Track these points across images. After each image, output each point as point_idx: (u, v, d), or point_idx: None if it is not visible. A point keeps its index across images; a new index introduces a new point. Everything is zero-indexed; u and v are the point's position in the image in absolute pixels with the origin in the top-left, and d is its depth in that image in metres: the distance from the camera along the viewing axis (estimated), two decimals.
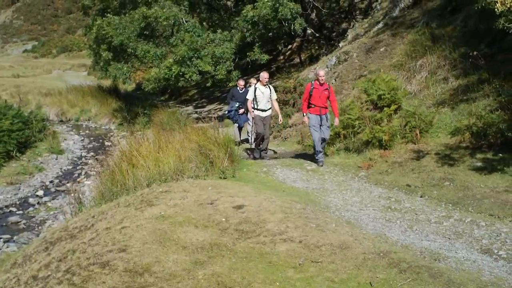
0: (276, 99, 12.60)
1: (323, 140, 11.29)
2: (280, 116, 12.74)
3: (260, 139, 12.23)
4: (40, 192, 14.78)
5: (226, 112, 16.20)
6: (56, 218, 12.20)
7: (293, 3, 19.52)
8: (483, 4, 8.52)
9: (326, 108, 11.20)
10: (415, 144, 10.68)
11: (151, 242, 5.92)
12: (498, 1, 7.97)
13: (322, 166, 11.14)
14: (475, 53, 11.50)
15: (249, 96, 12.26)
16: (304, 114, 11.37)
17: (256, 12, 19.29)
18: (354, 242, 5.85)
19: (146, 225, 6.47)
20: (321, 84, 11.10)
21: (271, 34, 20.48)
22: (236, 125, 15.50)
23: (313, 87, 11.10)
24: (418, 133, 10.69)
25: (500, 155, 9.06)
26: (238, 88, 15.51)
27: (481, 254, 5.76)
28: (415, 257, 5.49)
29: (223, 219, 6.65)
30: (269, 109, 12.23)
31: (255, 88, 12.10)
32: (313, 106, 11.12)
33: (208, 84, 21.45)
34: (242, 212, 6.92)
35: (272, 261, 5.43)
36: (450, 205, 7.85)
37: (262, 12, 19.09)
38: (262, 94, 12.03)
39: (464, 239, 6.31)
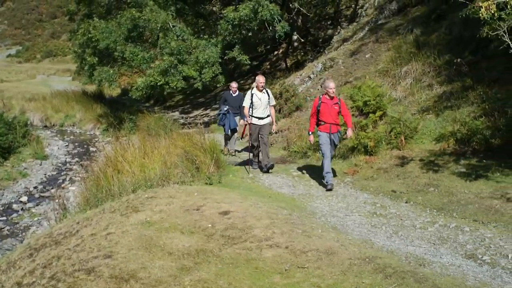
0: (274, 106, 11.81)
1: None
2: (274, 125, 11.63)
3: (257, 149, 11.54)
4: (24, 198, 14.63)
5: (217, 113, 15.02)
6: (41, 224, 12.07)
7: (274, 4, 19.58)
8: (468, 12, 8.60)
9: (338, 125, 9.98)
10: (400, 150, 10.75)
11: (136, 248, 5.90)
12: (483, 7, 8.05)
13: (331, 190, 9.57)
14: (459, 60, 11.64)
15: (245, 103, 11.28)
16: (310, 133, 10.28)
17: (237, 15, 19.33)
18: (340, 247, 5.87)
19: (132, 231, 6.44)
20: (331, 98, 9.86)
21: (251, 34, 20.39)
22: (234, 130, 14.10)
23: (321, 102, 9.87)
24: (403, 139, 10.76)
25: (484, 161, 9.15)
26: (230, 91, 14.10)
27: (465, 259, 5.81)
28: (400, 263, 5.52)
29: (209, 225, 6.64)
30: (267, 116, 11.26)
31: (252, 94, 11.15)
32: (322, 123, 9.89)
33: (198, 87, 21.32)
34: (228, 218, 6.91)
35: (259, 267, 5.42)
36: (435, 210, 7.90)
37: (242, 12, 19.13)
38: (259, 101, 11.11)
39: (448, 244, 6.36)
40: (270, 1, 19.53)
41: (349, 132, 10.01)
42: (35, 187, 15.89)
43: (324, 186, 9.86)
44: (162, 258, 5.63)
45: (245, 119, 11.86)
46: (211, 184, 9.62)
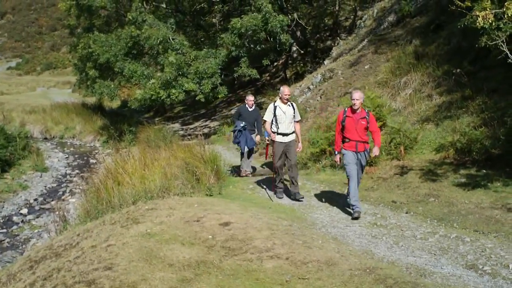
0: (300, 121, 10.29)
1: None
2: (300, 143, 9.95)
3: (282, 172, 10.00)
4: (24, 210, 14.64)
5: (231, 131, 13.80)
6: (41, 236, 12.07)
7: (283, 15, 19.66)
8: (466, 23, 8.65)
9: (366, 142, 8.62)
10: (400, 160, 10.76)
11: (137, 260, 5.88)
12: (480, 17, 8.10)
13: (358, 218, 8.30)
14: (458, 70, 11.68)
15: (267, 117, 9.85)
16: (336, 153, 8.92)
17: (244, 24, 19.34)
18: (340, 258, 5.86)
19: (132, 243, 6.42)
20: (356, 111, 8.51)
21: (258, 47, 20.44)
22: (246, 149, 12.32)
23: (346, 116, 8.57)
24: (403, 150, 10.78)
25: (484, 171, 9.16)
26: (246, 105, 12.48)
27: (466, 270, 5.80)
28: (401, 273, 5.51)
29: (210, 237, 6.63)
30: (292, 132, 9.79)
31: (275, 107, 9.69)
32: (347, 140, 8.58)
33: (200, 99, 21.26)
34: (229, 229, 6.90)
35: (259, 278, 5.41)
36: (435, 221, 7.90)
37: (251, 22, 19.15)
38: (283, 114, 9.64)
39: (449, 254, 6.35)
40: (277, 12, 19.63)
41: (375, 151, 8.59)
42: (35, 199, 15.90)
43: (321, 192, 9.82)
44: (162, 270, 5.62)
45: (267, 136, 10.80)
46: (211, 196, 9.62)
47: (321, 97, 16.98)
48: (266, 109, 10.93)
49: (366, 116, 8.52)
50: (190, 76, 20.52)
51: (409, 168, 10.30)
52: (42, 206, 15.16)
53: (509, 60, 8.44)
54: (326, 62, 21.24)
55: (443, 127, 10.88)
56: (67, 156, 24.79)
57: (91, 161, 22.91)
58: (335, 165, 11.94)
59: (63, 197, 15.98)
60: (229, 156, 16.04)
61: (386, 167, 10.78)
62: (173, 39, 21.74)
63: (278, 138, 9.71)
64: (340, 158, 8.88)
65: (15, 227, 13.23)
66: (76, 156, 24.97)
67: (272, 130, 9.79)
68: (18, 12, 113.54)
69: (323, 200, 9.74)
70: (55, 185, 18.10)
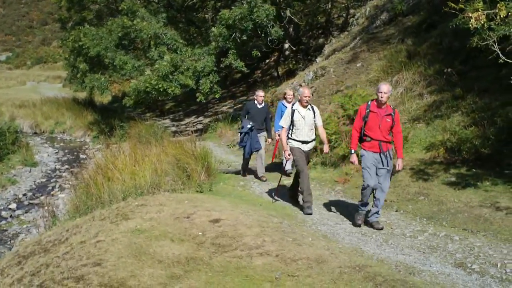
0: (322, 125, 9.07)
1: (378, 191, 7.62)
2: (326, 145, 8.88)
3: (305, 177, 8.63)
4: (13, 205, 14.54)
5: (237, 131, 12.74)
6: (29, 232, 12.01)
7: (269, 5, 19.61)
8: (458, 23, 8.67)
9: (389, 142, 7.56)
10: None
11: (126, 256, 5.86)
12: (473, 18, 8.13)
13: (359, 226, 7.73)
14: (449, 70, 11.72)
15: (284, 122, 8.63)
16: (352, 151, 7.79)
17: (231, 14, 19.31)
18: (330, 256, 5.87)
19: (122, 239, 6.40)
20: (382, 106, 7.45)
21: (245, 36, 20.31)
22: (258, 153, 11.38)
23: (369, 110, 7.50)
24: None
25: (474, 170, 9.20)
26: (255, 101, 11.38)
27: (455, 268, 5.84)
28: (390, 271, 5.53)
29: (200, 233, 6.62)
30: (312, 140, 8.70)
31: (293, 111, 8.53)
32: (368, 139, 7.51)
33: (201, 100, 21.12)
34: (219, 226, 6.90)
35: (249, 275, 5.41)
36: (425, 219, 7.93)
37: (238, 11, 19.13)
38: (302, 120, 8.48)
39: (438, 253, 6.38)
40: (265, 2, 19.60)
41: (400, 163, 7.57)
42: (24, 194, 15.81)
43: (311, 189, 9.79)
44: (152, 266, 5.60)
45: (277, 130, 10.61)
46: (201, 192, 9.60)
47: (312, 95, 16.97)
48: (276, 107, 10.78)
49: (392, 114, 7.45)
50: (186, 73, 20.43)
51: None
52: (31, 201, 15.08)
53: (500, 60, 8.47)
54: (318, 59, 21.24)
55: (434, 126, 10.91)
56: (57, 151, 24.66)
57: (81, 156, 22.79)
58: (325, 162, 11.96)
59: (52, 192, 15.90)
60: (220, 153, 16.05)
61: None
62: (164, 33, 21.65)
63: (296, 145, 8.57)
64: (357, 158, 7.74)
65: (3, 222, 13.16)
66: (66, 151, 24.85)
67: (290, 137, 8.63)
68: (9, 6, 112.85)
69: (313, 197, 9.74)
70: (44, 180, 18.00)
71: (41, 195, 15.50)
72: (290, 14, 23.18)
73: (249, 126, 10.94)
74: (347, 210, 8.66)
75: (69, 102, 34.50)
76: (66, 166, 20.34)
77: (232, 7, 20.23)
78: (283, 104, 11.10)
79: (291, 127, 8.60)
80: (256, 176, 11.57)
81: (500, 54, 8.40)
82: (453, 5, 8.75)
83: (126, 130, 23.38)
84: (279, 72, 26.63)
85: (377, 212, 7.64)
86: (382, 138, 7.44)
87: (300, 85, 18.37)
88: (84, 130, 29.60)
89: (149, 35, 21.01)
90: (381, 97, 7.32)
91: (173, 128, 24.96)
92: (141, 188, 9.17)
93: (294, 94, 11.45)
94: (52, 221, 9.20)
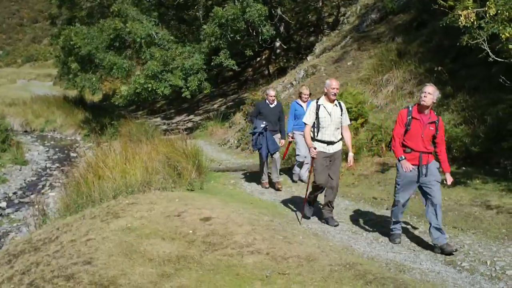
0: (350, 125, 8.11)
1: (434, 206, 6.47)
2: (350, 152, 7.66)
3: (319, 191, 7.81)
4: (3, 204, 14.44)
5: (249, 132, 12.02)
6: (20, 230, 11.93)
7: (262, 5, 19.62)
8: (448, 21, 8.72)
9: (431, 153, 6.60)
10: (381, 157, 10.82)
11: (117, 254, 5.85)
12: (462, 15, 8.17)
13: (397, 242, 6.80)
14: (439, 68, 11.76)
15: (308, 118, 7.56)
16: (400, 159, 6.62)
17: (224, 13, 19.29)
18: (321, 254, 5.88)
19: (112, 237, 6.38)
20: (424, 111, 6.45)
21: (238, 36, 20.30)
22: (276, 156, 10.35)
23: (412, 117, 6.50)
24: (384, 147, 10.83)
25: (464, 168, 9.25)
26: (266, 101, 10.60)
27: (445, 266, 5.87)
28: (380, 269, 5.55)
29: (190, 231, 6.62)
30: (339, 140, 7.63)
31: (318, 106, 7.48)
32: (408, 150, 6.55)
33: (187, 96, 21.10)
34: (210, 224, 6.89)
35: (240, 273, 5.41)
36: (415, 217, 7.96)
37: (231, 11, 19.11)
38: (328, 117, 7.44)
39: (428, 251, 6.41)
40: (257, 2, 19.62)
41: (449, 178, 6.70)
42: (14, 193, 15.72)
43: (302, 188, 9.77)
44: (142, 265, 5.59)
45: (290, 132, 10.32)
46: (192, 190, 9.61)
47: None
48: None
49: (436, 121, 6.49)
50: (175, 72, 20.40)
51: (390, 165, 10.35)
52: (21, 200, 14.98)
53: (490, 59, 8.52)
54: (309, 58, 21.25)
55: None
56: (47, 149, 24.55)
57: (72, 154, 22.70)
58: None
59: (42, 191, 15.82)
60: (211, 151, 16.07)
61: (367, 164, 10.83)
62: (156, 33, 21.60)
63: (320, 147, 7.46)
64: (409, 163, 6.56)
65: None
66: (57, 149, 24.74)
67: (314, 136, 7.56)
68: None
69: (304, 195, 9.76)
70: (34, 178, 17.92)
71: (32, 194, 15.40)
72: (281, 12, 23.19)
73: (262, 125, 10.10)
74: (338, 208, 8.67)
75: (60, 100, 34.40)
76: (57, 165, 20.25)
77: (225, 5, 20.21)
78: (298, 103, 10.46)
79: (316, 125, 7.51)
80: (271, 183, 10.67)
81: (489, 52, 8.45)
82: (442, 2, 8.80)
83: (117, 128, 23.28)
84: (270, 70, 26.63)
85: (441, 231, 6.37)
86: (423, 149, 6.47)
87: (291, 84, 18.40)
88: (75, 128, 29.51)
89: (141, 37, 20.93)
90: (424, 97, 6.32)
91: (164, 127, 24.93)
92: (131, 187, 9.15)
93: (310, 93, 10.66)
94: (42, 219, 9.16)
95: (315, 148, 7.37)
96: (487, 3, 8.09)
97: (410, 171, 6.48)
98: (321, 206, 8.07)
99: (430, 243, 6.55)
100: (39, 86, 53.99)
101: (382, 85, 13.53)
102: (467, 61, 11.61)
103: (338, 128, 7.53)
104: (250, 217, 7.35)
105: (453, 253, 6.17)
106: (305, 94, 10.36)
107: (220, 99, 28.80)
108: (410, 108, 6.56)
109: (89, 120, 28.33)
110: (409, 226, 7.50)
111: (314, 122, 7.49)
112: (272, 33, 20.63)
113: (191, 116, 27.48)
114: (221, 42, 20.31)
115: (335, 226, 7.63)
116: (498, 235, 6.82)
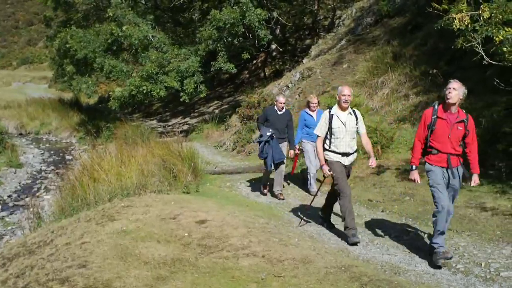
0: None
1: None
2: (373, 158, 7.11)
3: (346, 200, 7.01)
4: None
5: (255, 141, 11.44)
6: (14, 234, 11.88)
7: (260, 9, 19.64)
8: (443, 24, 8.75)
9: (459, 156, 6.14)
10: (377, 159, 10.82)
11: (112, 257, 5.84)
12: (457, 19, 8.21)
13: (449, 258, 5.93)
14: (434, 71, 11.79)
15: (319, 130, 7.16)
16: (412, 167, 6.32)
17: (222, 17, 19.29)
18: (316, 256, 5.89)
19: (107, 240, 6.38)
20: (451, 109, 6.06)
21: (236, 41, 20.33)
22: (280, 166, 9.88)
23: (437, 117, 6.09)
24: (379, 149, 10.86)
25: None
26: (275, 107, 10.11)
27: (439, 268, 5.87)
28: (376, 271, 5.56)
29: (186, 234, 6.61)
30: (354, 152, 7.22)
31: (331, 116, 7.05)
32: (435, 151, 6.09)
33: (185, 100, 21.09)
34: (205, 227, 6.89)
35: (235, 276, 5.41)
36: (410, 219, 7.98)
37: (230, 15, 19.11)
38: (343, 126, 7.00)
39: (423, 253, 6.42)
40: (255, 6, 19.64)
41: (476, 179, 6.21)
42: (9, 196, 15.65)
43: (297, 190, 9.79)
44: (137, 268, 5.58)
45: (297, 143, 10.03)
46: (188, 193, 9.60)
47: (299, 96, 17.01)
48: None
49: (465, 120, 6.06)
50: (171, 74, 20.40)
51: (386, 167, 10.38)
52: (16, 203, 14.92)
53: (485, 62, 8.56)
54: (305, 60, 21.27)
55: None
56: (42, 152, 24.48)
57: (67, 157, 22.62)
58: None
59: (37, 194, 15.76)
60: (207, 154, 16.05)
61: (363, 166, 10.83)
62: (152, 37, 21.61)
63: (336, 157, 7.06)
64: (418, 175, 6.34)
65: None
66: (52, 152, 24.67)
67: (328, 148, 7.12)
68: None
69: (300, 198, 9.78)
70: (29, 181, 17.85)
71: (26, 197, 15.34)
72: (277, 15, 23.23)
73: (269, 133, 9.61)
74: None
75: (55, 103, 34.34)
76: (52, 167, 20.18)
77: (222, 8, 20.21)
78: (307, 113, 10.09)
79: (327, 137, 7.09)
80: (272, 193, 10.19)
81: (484, 55, 8.49)
82: (437, 5, 8.83)
83: (113, 131, 23.24)
84: (266, 73, 26.65)
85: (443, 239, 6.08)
86: (452, 150, 6.01)
87: (287, 86, 18.41)
88: (70, 131, 29.43)
89: (138, 39, 20.93)
90: (449, 94, 5.94)
91: (160, 129, 24.89)
92: (127, 189, 9.13)
93: (319, 101, 10.31)
94: (37, 222, 9.12)
95: (329, 170, 6.96)
96: (481, 6, 8.13)
97: (439, 174, 6.04)
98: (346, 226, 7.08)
99: (420, 243, 6.59)
100: (34, 88, 53.93)
101: (377, 87, 13.56)
102: (462, 63, 11.64)
103: (353, 138, 7.12)
104: (245, 220, 7.35)
105: (449, 259, 5.91)
106: (313, 103, 10.04)
107: (216, 102, 28.80)
108: (436, 107, 6.12)
109: (85, 122, 28.26)
110: (404, 229, 7.51)
111: (327, 133, 7.08)
112: (269, 38, 20.67)
113: (187, 119, 27.46)
114: (218, 45, 20.31)
115: (357, 240, 6.87)
116: (493, 237, 6.85)
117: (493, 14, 7.99)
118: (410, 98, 12.27)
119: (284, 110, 10.03)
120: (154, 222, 7.08)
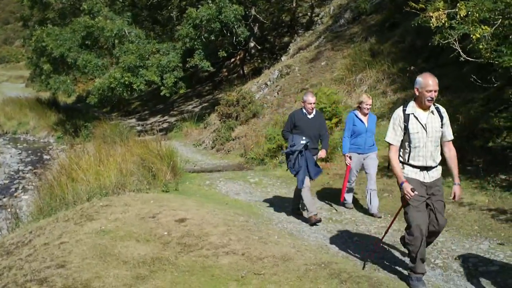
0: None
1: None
2: (456, 180, 5.32)
3: (421, 240, 5.06)
4: None
5: (283, 152, 9.81)
6: None
7: (237, 6, 19.64)
8: (420, 22, 8.83)
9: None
10: None
11: (91, 257, 5.80)
12: (433, 17, 8.28)
13: None
14: (412, 68, 11.90)
15: (392, 137, 5.42)
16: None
17: (199, 14, 19.27)
18: (296, 253, 5.90)
19: (86, 240, 6.33)
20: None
21: (213, 36, 20.31)
22: (306, 181, 7.82)
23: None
24: None
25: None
26: (304, 110, 8.03)
27: None
28: (355, 268, 5.59)
29: (165, 233, 6.59)
30: (438, 165, 5.24)
31: (406, 117, 5.26)
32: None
33: (165, 94, 21.03)
34: (185, 225, 6.87)
35: (215, 274, 5.40)
36: (389, 216, 8.02)
37: (206, 12, 19.09)
38: (423, 131, 5.12)
39: (402, 249, 6.46)
40: (233, 2, 19.64)
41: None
42: None
43: (278, 188, 9.80)
44: (117, 267, 5.55)
45: (346, 153, 8.33)
46: (167, 192, 9.56)
47: (278, 93, 17.05)
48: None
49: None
50: (151, 69, 20.32)
51: None
52: None
53: (462, 59, 8.64)
54: (283, 58, 21.34)
55: None
56: (20, 152, 24.17)
57: (45, 157, 22.38)
58: None
59: (15, 194, 15.57)
60: (186, 152, 16.02)
61: (342, 163, 10.87)
62: (129, 32, 21.46)
63: (413, 174, 5.18)
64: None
65: None
66: (30, 152, 24.37)
67: (404, 161, 5.30)
68: None
69: (280, 195, 9.79)
70: (7, 181, 17.62)
71: (4, 197, 15.15)
72: (255, 12, 23.22)
73: (303, 142, 7.70)
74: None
75: (32, 102, 33.90)
76: (30, 167, 19.94)
77: (199, 6, 20.19)
78: (356, 116, 8.40)
79: (406, 145, 5.27)
80: (297, 213, 8.41)
81: (461, 52, 8.57)
82: (413, 4, 8.90)
83: (91, 130, 23.05)
84: (245, 71, 26.64)
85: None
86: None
87: (266, 84, 18.42)
88: (48, 130, 29.09)
89: (113, 33, 20.79)
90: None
91: (139, 128, 24.77)
92: (106, 189, 9.07)
93: (371, 103, 8.62)
94: (15, 223, 9.03)
95: (412, 190, 4.97)
96: (458, 4, 8.21)
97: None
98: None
99: (399, 239, 6.63)
100: (11, 88, 53.13)
101: (356, 85, 13.65)
102: (439, 60, 11.77)
103: (437, 146, 5.18)
104: (225, 218, 7.35)
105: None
106: (367, 104, 8.30)
107: (195, 100, 28.74)
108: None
109: (63, 122, 27.97)
110: (383, 225, 7.56)
111: (406, 140, 5.25)
112: (246, 35, 20.67)
113: (166, 117, 27.35)
114: (195, 43, 20.27)
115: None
116: (471, 232, 6.93)
117: (469, 12, 8.08)
118: (388, 95, 12.36)
119: (315, 113, 8.07)
120: (133, 221, 7.04)
